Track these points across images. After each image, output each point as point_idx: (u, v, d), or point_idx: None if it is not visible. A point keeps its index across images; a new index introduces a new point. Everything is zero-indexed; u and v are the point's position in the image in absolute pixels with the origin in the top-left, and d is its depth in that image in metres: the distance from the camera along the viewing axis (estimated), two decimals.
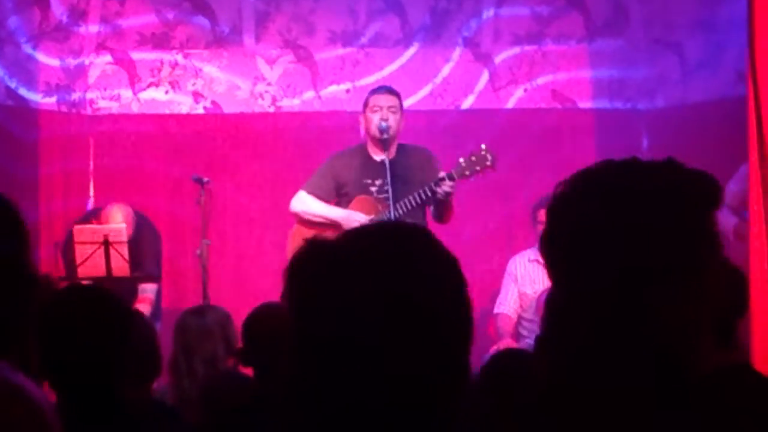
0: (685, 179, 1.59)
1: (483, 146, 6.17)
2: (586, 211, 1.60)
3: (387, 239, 1.50)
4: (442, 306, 1.46)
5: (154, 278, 7.07)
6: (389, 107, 6.27)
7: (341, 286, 1.44)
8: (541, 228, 7.08)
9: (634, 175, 1.60)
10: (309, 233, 6.24)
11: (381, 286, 1.43)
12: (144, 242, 7.08)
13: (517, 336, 7.15)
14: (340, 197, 6.39)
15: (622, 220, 1.56)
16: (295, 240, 6.37)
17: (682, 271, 1.55)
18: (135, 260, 6.82)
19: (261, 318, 3.75)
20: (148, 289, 7.13)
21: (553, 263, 1.65)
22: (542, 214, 7.09)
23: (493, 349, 6.75)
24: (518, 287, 7.22)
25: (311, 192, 6.42)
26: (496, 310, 7.24)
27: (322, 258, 1.48)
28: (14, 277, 1.72)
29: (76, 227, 6.81)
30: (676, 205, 1.56)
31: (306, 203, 6.41)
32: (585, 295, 1.58)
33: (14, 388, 1.64)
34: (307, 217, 6.40)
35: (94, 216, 7.00)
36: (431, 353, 1.44)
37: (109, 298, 2.81)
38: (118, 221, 6.84)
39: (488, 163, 6.15)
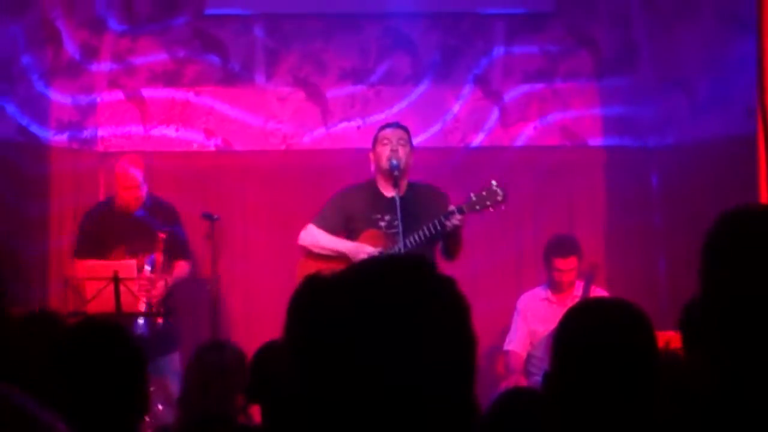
0: None
1: (494, 182, 6.16)
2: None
3: (387, 273, 1.50)
4: (443, 340, 1.46)
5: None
6: (399, 140, 6.30)
7: (341, 321, 1.44)
8: (555, 274, 7.09)
9: None
10: (316, 266, 6.23)
11: (381, 322, 1.43)
12: (174, 226, 7.13)
13: (526, 373, 7.13)
14: (348, 232, 6.38)
15: None
16: (302, 274, 6.37)
17: None
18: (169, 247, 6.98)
19: (269, 354, 3.74)
20: (183, 264, 7.19)
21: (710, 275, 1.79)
22: (558, 262, 7.07)
23: (503, 385, 6.74)
24: (528, 325, 7.20)
25: (320, 226, 6.41)
26: (505, 347, 7.23)
27: (322, 293, 1.49)
28: None
29: (88, 263, 6.83)
30: None
31: (315, 236, 6.40)
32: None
33: (37, 420, 1.63)
34: (315, 250, 6.38)
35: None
36: (432, 386, 1.44)
37: (126, 335, 2.81)
38: (127, 172, 7.04)
39: (499, 198, 6.14)
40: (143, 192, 7.09)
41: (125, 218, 7.03)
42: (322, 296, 1.48)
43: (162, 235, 6.88)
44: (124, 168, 7.08)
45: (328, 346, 1.44)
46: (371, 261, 1.56)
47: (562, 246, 7.13)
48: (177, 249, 7.09)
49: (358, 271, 1.51)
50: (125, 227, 6.99)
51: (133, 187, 7.03)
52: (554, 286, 7.17)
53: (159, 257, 6.89)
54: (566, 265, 7.07)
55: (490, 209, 6.16)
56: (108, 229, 7.03)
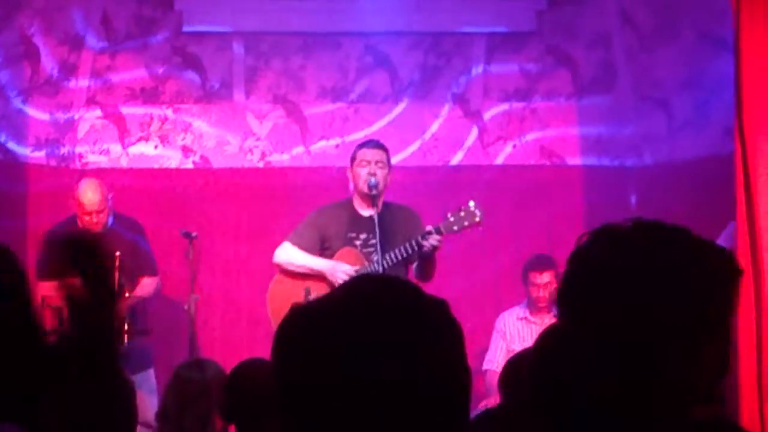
0: (708, 254, 1.67)
1: (471, 202, 6.11)
2: (606, 274, 1.71)
3: (380, 296, 1.48)
4: (437, 365, 1.45)
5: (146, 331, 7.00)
6: (377, 162, 6.24)
7: (328, 353, 1.42)
8: (532, 290, 7.13)
9: (658, 246, 1.68)
10: (290, 283, 6.24)
11: (376, 345, 1.42)
12: (138, 241, 7.08)
13: None
14: (323, 251, 6.34)
15: (644, 292, 1.64)
16: (275, 291, 6.35)
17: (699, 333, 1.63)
18: (133, 263, 6.86)
19: (245, 374, 3.72)
20: (147, 281, 7.10)
21: (567, 310, 1.72)
22: (534, 276, 7.12)
23: (482, 405, 6.73)
24: (507, 344, 7.21)
25: (296, 243, 6.37)
26: (484, 367, 7.23)
27: (308, 324, 1.47)
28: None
29: (45, 284, 6.76)
30: (699, 279, 1.64)
31: (290, 254, 6.36)
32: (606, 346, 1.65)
33: None
34: (291, 268, 6.35)
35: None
36: (428, 411, 1.42)
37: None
38: (89, 198, 6.82)
39: (477, 219, 6.09)
40: (104, 216, 6.89)
41: None
42: (311, 325, 1.46)
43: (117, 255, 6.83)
44: (82, 194, 6.88)
45: (321, 372, 1.42)
46: (359, 284, 1.52)
47: (538, 260, 7.18)
48: (140, 264, 7.02)
49: (346, 295, 1.49)
50: None
51: (92, 212, 6.86)
52: (532, 304, 7.19)
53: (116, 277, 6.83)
54: (542, 279, 7.10)
55: (468, 230, 6.12)
56: None
